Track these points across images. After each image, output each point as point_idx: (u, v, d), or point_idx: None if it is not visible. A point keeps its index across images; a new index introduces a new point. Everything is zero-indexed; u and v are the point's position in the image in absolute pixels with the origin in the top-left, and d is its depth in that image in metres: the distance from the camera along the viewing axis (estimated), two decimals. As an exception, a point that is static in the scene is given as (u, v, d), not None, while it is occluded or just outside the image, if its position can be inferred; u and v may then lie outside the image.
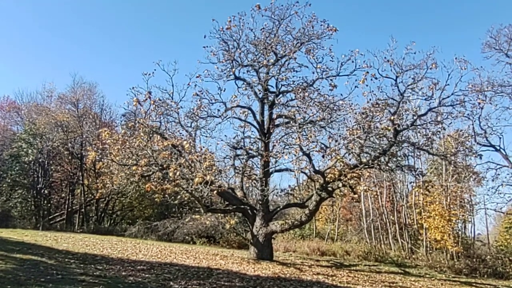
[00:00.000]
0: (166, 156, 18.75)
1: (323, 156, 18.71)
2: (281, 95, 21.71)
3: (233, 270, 16.00)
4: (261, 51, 21.02)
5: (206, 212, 21.43)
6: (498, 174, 26.38)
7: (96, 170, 35.68)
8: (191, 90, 20.88)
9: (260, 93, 21.80)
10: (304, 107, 19.50)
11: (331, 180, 18.76)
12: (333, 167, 18.68)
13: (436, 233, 25.90)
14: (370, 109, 18.13)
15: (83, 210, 37.20)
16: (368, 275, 19.06)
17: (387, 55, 17.62)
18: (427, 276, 21.60)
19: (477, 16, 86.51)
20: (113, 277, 11.91)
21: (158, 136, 20.06)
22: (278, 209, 22.89)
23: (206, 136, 21.24)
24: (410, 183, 32.33)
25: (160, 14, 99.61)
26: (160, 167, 18.80)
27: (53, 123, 36.51)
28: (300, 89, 19.93)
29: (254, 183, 22.82)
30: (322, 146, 18.50)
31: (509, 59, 26.58)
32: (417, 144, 19.20)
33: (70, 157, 38.41)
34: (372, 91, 18.06)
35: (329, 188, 19.37)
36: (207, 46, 21.20)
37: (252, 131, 22.64)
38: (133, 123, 20.58)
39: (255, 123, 22.02)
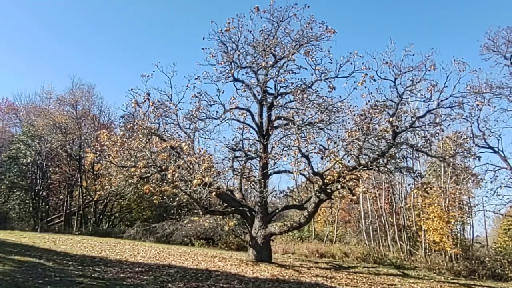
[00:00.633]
0: (165, 157, 18.75)
1: (322, 158, 18.74)
2: (279, 97, 21.70)
3: (231, 272, 15.97)
4: (260, 53, 21.01)
5: (204, 214, 21.41)
6: (497, 176, 26.41)
7: (95, 172, 35.68)
8: (190, 92, 20.88)
9: (258, 95, 21.80)
10: (303, 109, 19.48)
11: (330, 182, 18.76)
12: (332, 168, 18.69)
13: (435, 235, 25.91)
14: (369, 111, 18.13)
15: (81, 212, 37.11)
16: (367, 277, 19.05)
17: (385, 57, 17.63)
18: (426, 278, 21.58)
19: (475, 18, 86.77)
20: (111, 279, 11.89)
21: (157, 138, 20.04)
22: (277, 211, 22.86)
23: (205, 138, 21.24)
24: (409, 185, 32.30)
25: (159, 16, 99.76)
26: (158, 169, 18.78)
27: (51, 125, 36.48)
28: (298, 91, 19.92)
29: (253, 185, 22.79)
30: (321, 147, 18.51)
31: (507, 61, 26.64)
32: (415, 146, 19.21)
33: (68, 159, 38.36)
34: (371, 93, 18.09)
35: (328, 190, 19.34)
36: (206, 48, 21.19)
37: (251, 133, 22.67)
38: (131, 125, 20.57)
39: (253, 125, 22.00)
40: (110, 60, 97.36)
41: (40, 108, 40.79)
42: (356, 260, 26.70)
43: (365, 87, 18.00)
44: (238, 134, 22.42)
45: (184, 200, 21.19)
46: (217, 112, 21.20)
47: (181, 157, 18.73)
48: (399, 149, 19.46)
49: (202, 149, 20.62)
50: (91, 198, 37.38)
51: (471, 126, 23.45)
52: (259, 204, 20.90)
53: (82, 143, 36.53)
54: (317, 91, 20.39)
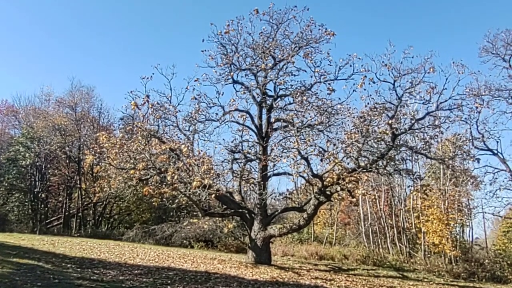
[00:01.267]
0: (164, 159, 18.72)
1: (321, 160, 18.73)
2: (279, 99, 21.71)
3: (231, 275, 15.94)
4: (259, 55, 21.04)
5: (204, 216, 21.36)
6: (496, 178, 26.44)
7: (94, 174, 35.61)
8: (189, 94, 20.92)
9: (258, 97, 21.81)
10: (302, 111, 19.49)
11: (329, 184, 18.74)
12: (331, 171, 18.66)
13: (434, 237, 25.91)
14: (368, 113, 18.16)
15: (80, 214, 37.03)
16: (367, 279, 19.02)
17: (385, 59, 17.69)
18: (426, 280, 21.57)
19: (474, 20, 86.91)
20: (110, 281, 11.85)
21: (156, 140, 20.02)
22: (276, 213, 22.83)
23: (204, 140, 21.22)
24: (408, 187, 32.34)
25: (158, 18, 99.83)
26: (158, 171, 18.75)
27: (50, 127, 36.42)
28: (298, 93, 19.94)
29: (252, 187, 22.78)
30: (320, 150, 18.51)
31: (506, 63, 26.68)
32: (415, 148, 19.26)
33: (67, 161, 38.30)
34: (370, 95, 18.14)
35: (327, 192, 19.34)
36: (205, 50, 21.23)
37: (250, 135, 22.67)
38: (131, 127, 20.58)
39: (253, 127, 22.02)
40: (110, 62, 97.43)
41: (39, 110, 40.68)
42: (355, 262, 26.69)
43: (365, 89, 18.08)
44: (237, 136, 22.48)
45: (183, 202, 21.20)
46: (216, 114, 21.27)
47: (181, 159, 18.72)
48: (399, 151, 19.47)
49: (201, 151, 20.60)
50: (90, 200, 37.35)
51: (470, 128, 23.52)
52: (258, 206, 20.89)
53: (81, 145, 36.49)
54: (317, 93, 20.49)
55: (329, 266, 23.88)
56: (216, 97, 21.11)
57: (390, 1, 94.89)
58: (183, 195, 18.66)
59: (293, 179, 20.95)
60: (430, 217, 26.68)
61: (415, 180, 21.91)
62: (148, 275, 13.76)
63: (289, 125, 20.02)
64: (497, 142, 24.78)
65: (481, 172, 27.60)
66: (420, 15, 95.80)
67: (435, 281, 21.54)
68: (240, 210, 21.04)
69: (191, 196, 17.74)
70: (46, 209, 38.11)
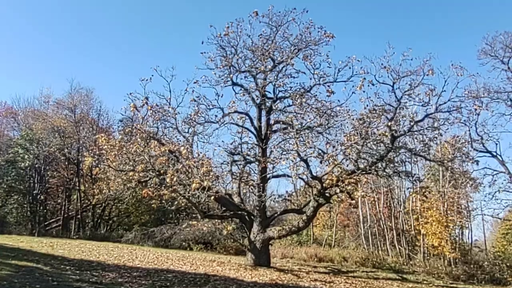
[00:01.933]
0: (163, 161, 18.72)
1: (320, 162, 18.71)
2: (278, 101, 21.71)
3: (230, 277, 15.92)
4: (259, 57, 21.06)
5: (203, 218, 21.34)
6: (495, 180, 26.46)
7: (93, 176, 35.52)
8: (189, 96, 20.93)
9: (257, 99, 21.82)
10: (302, 113, 19.52)
11: (329, 186, 18.75)
12: (331, 173, 18.65)
13: (433, 239, 25.88)
14: (367, 115, 18.15)
15: (79, 216, 36.95)
16: (366, 282, 19.00)
17: (384, 62, 17.67)
18: (425, 282, 21.54)
19: (473, 23, 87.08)
20: (109, 283, 11.84)
21: (155, 142, 20.03)
22: (276, 215, 22.84)
23: (204, 142, 21.33)
24: (408, 189, 32.35)
25: (158, 20, 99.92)
26: (157, 173, 18.75)
27: (50, 129, 36.43)
28: (297, 95, 19.97)
29: (252, 189, 22.77)
30: (320, 152, 18.48)
31: (505, 65, 26.72)
32: (414, 150, 19.22)
33: (66, 163, 38.29)
34: (369, 97, 18.12)
35: (327, 194, 19.35)
36: (204, 52, 21.29)
37: (250, 137, 22.68)
38: (130, 129, 20.55)
39: (252, 129, 22.03)
40: (109, 64, 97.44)
41: (39, 111, 40.70)
42: (355, 264, 26.65)
43: (364, 92, 18.07)
44: (237, 138, 22.48)
45: (182, 204, 21.16)
46: (216, 116, 21.32)
47: (180, 161, 18.71)
48: (398, 153, 19.46)
49: (200, 153, 20.64)
50: (89, 202, 37.32)
51: (469, 130, 23.53)
52: (257, 208, 20.87)
53: (81, 147, 36.45)
54: (316, 95, 20.51)
55: (328, 268, 23.85)
56: (216, 99, 21.20)
57: (389, 3, 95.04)
58: (182, 197, 18.65)
59: (293, 181, 20.93)
60: (429, 219, 26.66)
61: (414, 182, 21.89)
62: (147, 278, 13.75)
63: (289, 127, 20.04)
64: (496, 144, 24.81)
65: (480, 174, 27.63)
66: (419, 17, 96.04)
67: (434, 283, 21.51)
68: (239, 212, 21.02)
69: (190, 198, 17.74)
70: (45, 211, 38.02)
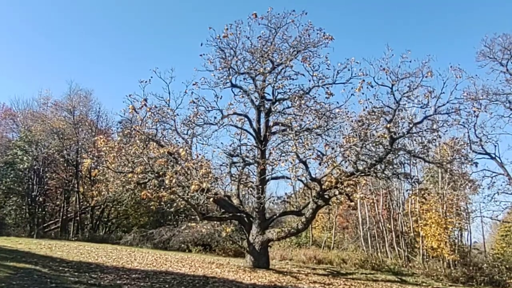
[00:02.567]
0: (162, 163, 18.69)
1: (319, 164, 18.70)
2: (277, 103, 21.72)
3: (229, 279, 15.89)
4: (258, 59, 21.07)
5: (202, 219, 21.32)
6: (494, 182, 26.47)
7: (92, 178, 35.51)
8: (188, 98, 20.90)
9: (256, 101, 21.81)
10: (301, 115, 19.52)
11: (328, 188, 18.75)
12: (330, 174, 18.68)
13: (432, 241, 25.88)
14: (366, 117, 18.18)
15: (78, 218, 36.93)
16: (365, 284, 18.99)
17: (382, 64, 17.69)
18: (424, 284, 21.54)
19: (472, 25, 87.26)
20: (107, 285, 11.83)
21: (154, 144, 20.03)
22: (275, 217, 22.82)
23: (203, 144, 21.23)
24: (407, 190, 32.36)
25: (157, 22, 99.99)
26: (156, 175, 18.73)
27: (48, 130, 36.41)
28: (296, 97, 19.98)
29: (251, 190, 22.75)
30: (319, 153, 18.50)
31: (503, 67, 26.76)
32: (413, 152, 19.25)
33: (65, 165, 38.25)
34: (368, 99, 18.16)
35: (326, 196, 19.34)
36: (204, 54, 21.28)
37: (249, 139, 22.66)
38: (129, 130, 20.54)
39: (251, 131, 22.02)
40: (108, 66, 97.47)
41: (38, 113, 40.64)
42: (354, 266, 26.61)
43: (363, 93, 18.10)
44: (236, 140, 22.45)
45: (181, 206, 21.11)
46: (215, 117, 21.26)
47: (179, 162, 18.68)
48: (397, 155, 19.49)
49: (199, 154, 20.61)
50: (88, 204, 37.25)
51: (468, 132, 23.56)
52: (256, 210, 20.84)
53: (79, 149, 36.42)
54: (315, 97, 20.49)
55: (327, 270, 23.82)
56: (215, 100, 21.14)
57: (388, 6, 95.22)
58: (181, 199, 18.61)
59: (292, 182, 20.93)
60: (429, 221, 26.66)
61: (413, 184, 21.95)
62: (146, 280, 13.73)
63: (288, 129, 20.03)
64: (495, 146, 24.83)
65: (479, 176, 27.62)
66: (417, 20, 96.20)
67: (433, 285, 21.51)
68: (238, 214, 21.00)
69: (189, 199, 17.71)
70: (44, 213, 37.96)
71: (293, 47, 21.00)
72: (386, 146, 18.20)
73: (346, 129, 19.72)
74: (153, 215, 36.22)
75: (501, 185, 26.19)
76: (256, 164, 21.42)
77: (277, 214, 23.26)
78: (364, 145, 17.97)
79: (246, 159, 21.97)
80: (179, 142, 20.89)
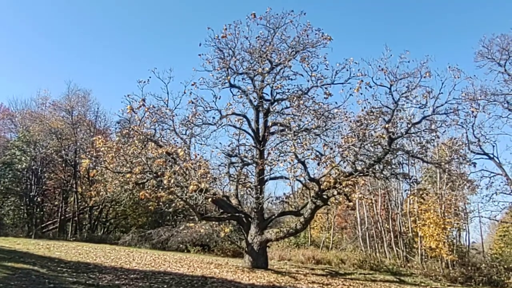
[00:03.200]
0: (161, 163, 18.64)
1: (318, 164, 18.72)
2: (276, 103, 21.72)
3: (227, 279, 15.89)
4: (256, 59, 21.08)
5: (200, 220, 21.31)
6: (492, 182, 26.52)
7: (90, 178, 35.49)
8: (186, 98, 20.91)
9: (255, 101, 21.81)
10: (299, 115, 19.51)
11: (326, 188, 18.75)
12: (328, 175, 18.70)
13: (431, 241, 25.88)
14: (365, 117, 18.19)
15: (76, 218, 36.88)
16: (364, 284, 19.00)
17: (381, 64, 17.68)
18: (422, 284, 21.57)
19: (470, 26, 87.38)
20: (106, 286, 11.81)
21: (153, 144, 20.00)
22: (273, 217, 22.81)
23: (201, 144, 21.22)
24: (405, 191, 32.37)
25: (155, 22, 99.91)
26: (154, 175, 18.69)
27: (47, 130, 36.36)
28: (295, 97, 19.99)
29: (249, 191, 22.77)
30: (317, 153, 18.47)
31: (501, 68, 26.81)
32: (411, 152, 19.26)
33: (63, 165, 38.16)
34: (367, 99, 18.16)
35: (324, 196, 19.34)
36: (202, 54, 21.28)
37: (247, 139, 22.63)
38: (127, 131, 20.50)
39: (250, 131, 22.02)
40: (107, 66, 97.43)
41: (36, 113, 40.56)
42: (352, 266, 26.63)
43: (361, 94, 18.11)
44: (234, 140, 22.44)
45: (180, 206, 21.10)
46: (213, 118, 21.22)
47: (177, 163, 18.67)
48: (395, 155, 19.50)
49: (198, 155, 20.61)
50: (86, 204, 37.19)
51: (466, 132, 23.61)
52: (255, 210, 20.84)
53: (78, 149, 36.32)
54: (313, 97, 20.47)
55: (326, 270, 23.83)
56: (213, 101, 21.11)
57: (386, 6, 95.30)
58: (179, 199, 18.62)
59: (290, 183, 21.01)
60: (427, 221, 26.67)
61: (411, 184, 21.93)
62: (144, 280, 13.71)
63: (286, 129, 20.03)
64: (493, 146, 24.90)
65: (477, 176, 27.67)
66: (416, 20, 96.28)
67: (432, 285, 21.54)
68: (237, 214, 20.98)
69: (188, 200, 17.71)
70: (42, 213, 37.92)
71: (292, 47, 21.02)
72: (384, 146, 18.20)
73: (345, 129, 19.77)
74: (151, 215, 36.19)
75: (499, 185, 26.24)
76: (254, 164, 21.41)
77: (276, 215, 23.26)
78: (362, 145, 17.98)
79: (245, 159, 21.96)
80: (177, 142, 20.87)
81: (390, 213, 31.74)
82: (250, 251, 20.57)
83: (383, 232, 31.28)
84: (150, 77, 19.38)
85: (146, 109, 19.64)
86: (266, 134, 21.38)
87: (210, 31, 20.79)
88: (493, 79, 26.53)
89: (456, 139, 25.82)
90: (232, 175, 22.25)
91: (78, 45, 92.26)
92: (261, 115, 21.97)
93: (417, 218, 28.53)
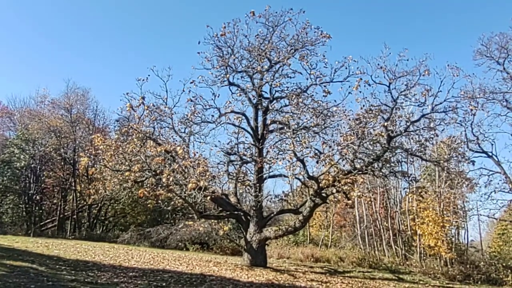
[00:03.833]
0: (160, 161, 18.63)
1: (317, 162, 18.74)
2: (275, 101, 21.72)
3: (226, 277, 15.90)
4: (255, 57, 21.07)
5: (199, 218, 21.30)
6: (491, 180, 26.59)
7: (89, 176, 35.49)
8: (185, 96, 20.95)
9: (254, 99, 21.82)
10: (298, 113, 19.53)
11: (325, 186, 18.76)
12: (327, 173, 18.69)
13: (429, 239, 25.90)
14: (364, 115, 18.16)
15: (75, 216, 36.88)
16: (362, 282, 19.01)
17: (380, 62, 17.67)
18: (421, 282, 21.58)
19: (469, 24, 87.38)
20: (104, 284, 11.81)
21: (152, 142, 19.99)
22: (272, 215, 22.81)
23: (200, 142, 21.25)
24: (404, 189, 32.43)
25: (155, 19, 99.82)
26: (153, 173, 18.69)
27: (46, 129, 36.33)
28: (294, 95, 19.99)
29: (248, 189, 22.77)
30: (316, 152, 18.51)
31: (500, 66, 26.85)
32: (410, 150, 19.24)
33: (62, 163, 38.11)
34: (366, 97, 18.13)
35: (323, 194, 19.34)
36: (201, 52, 21.24)
37: (246, 137, 22.68)
38: (126, 129, 20.49)
39: (249, 129, 22.04)
40: (106, 64, 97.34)
41: (35, 111, 40.51)
42: (351, 264, 26.68)
43: (360, 92, 18.08)
44: (233, 138, 22.48)
45: (178, 205, 21.10)
46: (212, 116, 21.22)
47: (176, 161, 18.66)
48: (394, 154, 19.48)
49: (197, 153, 20.59)
50: (85, 203, 37.16)
51: (465, 130, 23.65)
52: (254, 208, 20.85)
53: (77, 147, 36.31)
54: (312, 95, 20.54)
55: (324, 268, 23.86)
56: (212, 99, 21.13)
57: (385, 5, 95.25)
58: (178, 197, 18.61)
59: (289, 181, 20.98)
60: (426, 219, 26.68)
61: (410, 182, 21.94)
62: (143, 278, 13.71)
63: (285, 127, 20.06)
64: (492, 144, 24.97)
65: (476, 174, 27.76)
66: (415, 20, 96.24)
67: (430, 283, 21.55)
68: (236, 212, 20.98)
69: (187, 198, 17.69)
70: (41, 211, 37.94)
71: (291, 45, 21.02)
72: (383, 145, 18.20)
73: (344, 127, 19.80)
74: (150, 213, 36.20)
75: (498, 183, 26.30)
76: (253, 163, 21.42)
77: (275, 213, 23.25)
78: (361, 143, 17.97)
79: (244, 157, 21.96)
80: (176, 141, 20.87)
81: (389, 211, 31.77)
82: (249, 249, 20.58)
83: (382, 230, 31.30)
84: (149, 75, 19.35)
85: (145, 107, 19.62)
86: (265, 132, 21.39)
87: (209, 29, 20.80)
88: (492, 77, 26.58)
89: (455, 137, 25.88)
90: (231, 173, 22.26)
91: (78, 44, 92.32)
92: (260, 113, 21.97)
93: (416, 216, 28.55)
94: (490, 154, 25.73)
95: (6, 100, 54.90)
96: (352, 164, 18.18)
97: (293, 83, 21.16)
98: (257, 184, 20.94)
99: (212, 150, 21.93)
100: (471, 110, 19.95)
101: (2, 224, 34.52)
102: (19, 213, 37.34)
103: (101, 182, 22.45)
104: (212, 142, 23.65)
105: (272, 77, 21.25)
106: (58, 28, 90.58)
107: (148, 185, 19.66)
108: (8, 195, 37.37)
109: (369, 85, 17.94)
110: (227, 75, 21.26)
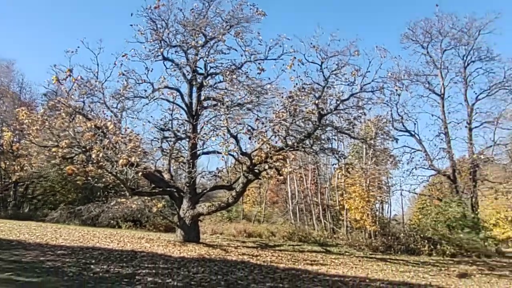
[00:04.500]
0: (90, 137, 18.08)
1: (250, 138, 19.05)
2: (209, 77, 21.66)
3: (158, 253, 15.94)
4: (190, 32, 20.81)
5: (132, 195, 21.00)
6: (413, 158, 28.38)
7: (14, 152, 33.65)
8: (117, 70, 20.23)
9: (188, 75, 21.62)
10: (232, 90, 19.66)
11: (258, 162, 19.13)
12: (260, 149, 19.04)
13: (356, 213, 27.29)
14: (296, 93, 18.57)
15: (0, 194, 34.97)
16: (292, 254, 19.76)
17: (313, 41, 18.12)
18: (347, 254, 22.77)
19: (398, 8, 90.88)
20: (30, 262, 11.48)
21: (81, 117, 19.29)
22: (205, 191, 22.96)
23: (133, 118, 20.82)
24: (333, 165, 33.72)
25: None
26: (83, 149, 18.09)
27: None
28: (228, 72, 20.01)
29: (182, 165, 22.72)
30: (249, 128, 18.79)
31: (424, 50, 28.39)
32: (339, 128, 20.02)
33: (-16, 138, 35.84)
34: (299, 76, 18.57)
35: (256, 170, 19.71)
36: (134, 25, 20.55)
37: (180, 113, 22.49)
38: (54, 103, 19.59)
39: (183, 105, 21.86)
40: (35, 35, 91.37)
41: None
42: (282, 238, 27.55)
43: (294, 70, 18.48)
44: (167, 114, 22.22)
45: (110, 181, 20.67)
46: (145, 91, 20.76)
47: (107, 136, 18.18)
48: (324, 131, 20.21)
49: (128, 128, 20.18)
50: (10, 180, 35.31)
51: (391, 110, 24.95)
52: (187, 184, 20.89)
53: (1, 122, 34.25)
54: (247, 72, 20.69)
55: (256, 243, 24.50)
56: (145, 73, 20.62)
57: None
58: (109, 174, 18.23)
59: (223, 157, 21.15)
60: (353, 194, 28.04)
61: (339, 159, 22.84)
62: (72, 255, 13.45)
63: (219, 104, 20.09)
64: (415, 124, 26.63)
65: (400, 152, 29.48)
66: (346, 4, 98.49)
67: (355, 254, 22.81)
68: (169, 189, 20.94)
69: (118, 174, 17.38)
70: (-39, 189, 35.62)
71: (226, 21, 20.93)
72: (314, 122, 18.77)
73: (277, 104, 20.11)
74: (81, 191, 35.05)
75: (419, 160, 28.14)
76: (187, 139, 21.38)
77: (208, 189, 23.41)
78: (293, 120, 18.43)
79: (178, 133, 21.85)
80: (107, 116, 20.28)
81: (319, 187, 33.01)
82: (182, 225, 20.66)
83: (312, 205, 32.51)
84: (78, 47, 18.50)
85: (73, 80, 18.77)
86: (199, 108, 21.32)
87: (142, 1, 20.20)
88: (416, 60, 28.14)
89: (381, 116, 27.21)
90: (164, 150, 22.08)
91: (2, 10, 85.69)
92: (194, 89, 21.83)
93: (344, 192, 29.88)
94: (413, 133, 27.37)
95: None
96: (284, 140, 18.62)
97: (228, 60, 21.24)
98: (191, 161, 20.96)
99: (145, 126, 21.55)
100: (396, 90, 21.00)
101: None
102: None
103: (26, 159, 21.45)
104: (145, 118, 23.27)
105: (207, 53, 21.13)
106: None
107: (78, 161, 19.04)
108: None
109: (303, 64, 18.39)
110: (161, 50, 20.85)
